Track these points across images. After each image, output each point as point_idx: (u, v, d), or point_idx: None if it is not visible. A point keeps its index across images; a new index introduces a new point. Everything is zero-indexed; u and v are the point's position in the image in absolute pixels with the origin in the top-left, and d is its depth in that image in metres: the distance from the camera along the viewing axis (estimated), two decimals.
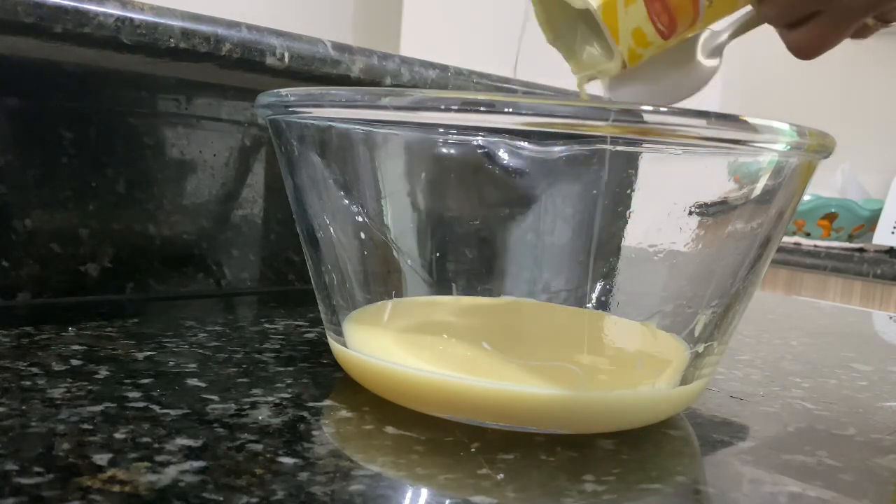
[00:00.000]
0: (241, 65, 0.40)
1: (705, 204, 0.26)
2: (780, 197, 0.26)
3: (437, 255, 0.30)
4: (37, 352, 0.30)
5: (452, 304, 0.31)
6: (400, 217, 0.29)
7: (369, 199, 0.28)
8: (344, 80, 0.45)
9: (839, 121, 1.70)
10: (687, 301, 0.28)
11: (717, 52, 0.34)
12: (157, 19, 0.36)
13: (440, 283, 0.30)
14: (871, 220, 1.42)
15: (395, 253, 0.29)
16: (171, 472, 0.20)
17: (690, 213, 0.26)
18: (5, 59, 0.38)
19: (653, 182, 0.27)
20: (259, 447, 0.22)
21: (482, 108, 0.22)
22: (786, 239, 1.45)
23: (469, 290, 0.31)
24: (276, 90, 0.26)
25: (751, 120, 0.23)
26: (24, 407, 0.24)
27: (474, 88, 0.52)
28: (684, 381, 0.27)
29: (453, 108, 0.22)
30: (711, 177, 0.26)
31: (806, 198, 1.39)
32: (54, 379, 0.27)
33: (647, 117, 0.22)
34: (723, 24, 0.33)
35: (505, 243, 0.29)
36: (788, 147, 0.24)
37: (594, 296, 0.30)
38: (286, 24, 0.43)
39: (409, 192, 0.29)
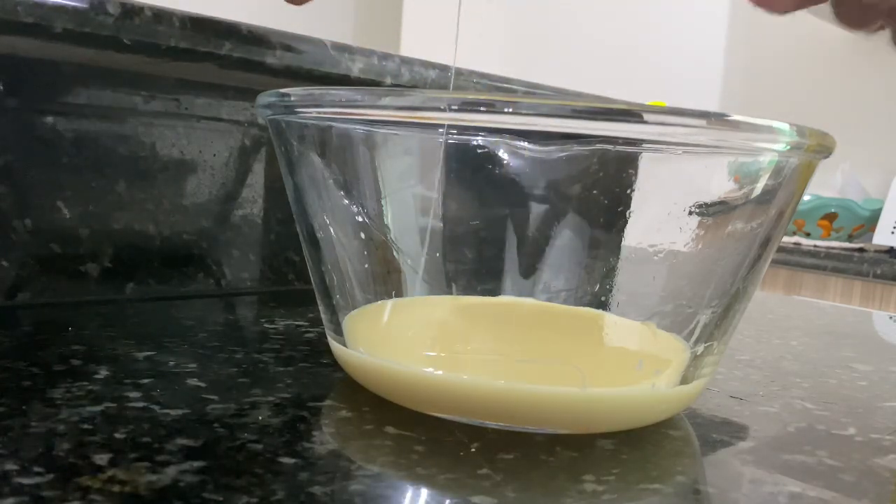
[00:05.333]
0: (241, 65, 0.40)
1: (705, 204, 0.26)
2: (780, 197, 0.26)
3: (437, 255, 0.30)
4: (37, 352, 0.30)
5: (452, 304, 0.31)
6: (400, 217, 0.29)
7: (369, 199, 0.28)
8: (344, 80, 0.45)
9: (839, 121, 1.70)
10: (687, 301, 0.28)
11: None
12: (156, 19, 0.36)
13: (440, 283, 0.30)
14: (871, 220, 1.42)
15: (395, 253, 0.29)
16: (171, 472, 0.20)
17: (690, 213, 0.26)
18: (5, 58, 0.38)
19: (653, 182, 0.27)
20: (259, 447, 0.22)
21: (482, 108, 0.22)
22: (786, 239, 1.45)
23: (469, 290, 0.31)
24: (276, 90, 0.26)
25: (751, 120, 0.23)
26: (24, 407, 0.24)
27: (474, 88, 0.52)
28: (684, 381, 0.27)
29: (453, 108, 0.22)
30: (711, 177, 0.26)
31: (806, 198, 1.39)
32: (54, 379, 0.27)
33: (646, 117, 0.22)
34: None
35: (505, 243, 0.29)
36: (788, 147, 0.24)
37: (594, 296, 0.30)
38: (286, 24, 0.43)
39: (409, 192, 0.29)
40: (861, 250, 1.36)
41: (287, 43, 0.42)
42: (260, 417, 0.24)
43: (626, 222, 0.28)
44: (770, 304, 0.59)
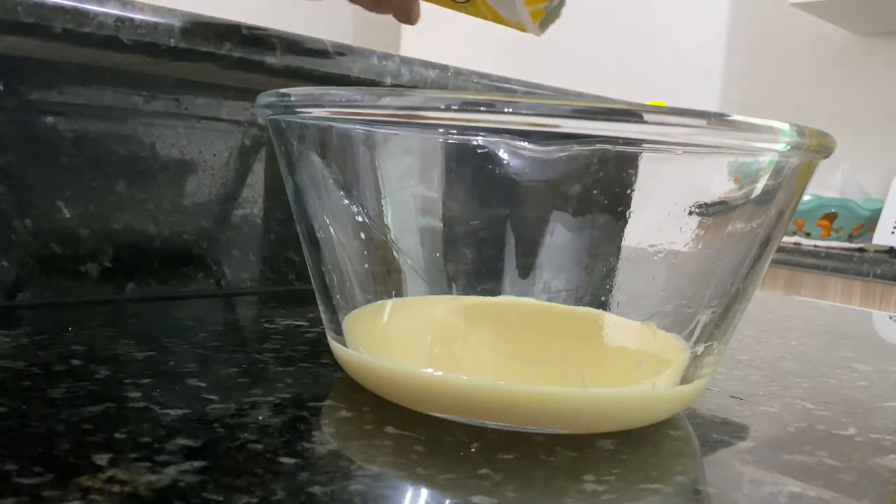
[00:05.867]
0: (241, 65, 0.40)
1: (705, 204, 0.26)
2: (780, 197, 0.26)
3: (437, 255, 0.30)
4: (37, 352, 0.30)
5: (452, 304, 0.31)
6: (400, 217, 0.29)
7: (369, 199, 0.28)
8: (344, 80, 0.45)
9: (839, 121, 1.70)
10: (687, 301, 0.28)
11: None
12: (157, 19, 0.37)
13: (440, 283, 0.30)
14: (871, 220, 1.42)
15: (395, 253, 0.29)
16: (171, 472, 0.20)
17: (690, 213, 0.26)
18: (5, 58, 0.38)
19: (653, 182, 0.27)
20: (259, 447, 0.22)
21: (482, 108, 0.22)
22: (786, 239, 1.45)
23: (469, 290, 0.31)
24: (276, 90, 0.26)
25: (751, 120, 0.23)
26: (24, 407, 0.24)
27: (474, 88, 0.52)
28: (684, 380, 0.27)
29: (453, 108, 0.22)
30: (711, 177, 0.26)
31: (806, 198, 1.39)
32: (54, 379, 0.27)
33: (646, 117, 0.22)
34: None
35: (505, 243, 0.29)
36: (788, 147, 0.24)
37: (594, 296, 0.30)
38: (286, 24, 0.43)
39: (409, 192, 0.29)
40: (861, 250, 1.36)
41: (287, 43, 0.42)
42: (260, 417, 0.24)
43: (626, 222, 0.28)
44: (770, 304, 0.59)
